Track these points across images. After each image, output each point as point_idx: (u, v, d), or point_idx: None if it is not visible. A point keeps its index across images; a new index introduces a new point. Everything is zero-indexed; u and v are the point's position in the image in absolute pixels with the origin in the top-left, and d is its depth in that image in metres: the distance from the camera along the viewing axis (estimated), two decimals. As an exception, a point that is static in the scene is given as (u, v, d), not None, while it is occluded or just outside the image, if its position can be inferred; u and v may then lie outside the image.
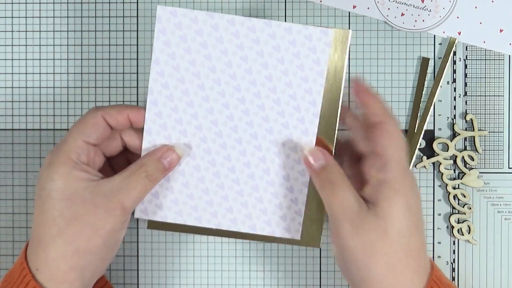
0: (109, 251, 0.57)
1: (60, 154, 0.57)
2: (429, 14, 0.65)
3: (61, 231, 0.55)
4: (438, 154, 0.66)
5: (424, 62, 0.66)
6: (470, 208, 0.66)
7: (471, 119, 0.66)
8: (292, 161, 0.60)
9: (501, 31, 0.65)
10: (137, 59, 0.67)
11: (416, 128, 0.66)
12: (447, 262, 0.66)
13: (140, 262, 0.67)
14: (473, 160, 0.66)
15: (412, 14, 0.65)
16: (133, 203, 0.56)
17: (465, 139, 0.66)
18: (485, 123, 0.66)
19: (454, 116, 0.66)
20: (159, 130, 0.59)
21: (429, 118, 0.66)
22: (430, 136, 0.66)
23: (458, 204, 0.66)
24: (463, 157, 0.66)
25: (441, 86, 0.66)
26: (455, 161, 0.66)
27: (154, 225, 0.62)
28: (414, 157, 0.66)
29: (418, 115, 0.66)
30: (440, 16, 0.65)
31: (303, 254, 0.67)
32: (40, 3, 0.67)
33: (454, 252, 0.66)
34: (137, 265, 0.67)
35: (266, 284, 0.67)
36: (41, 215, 0.55)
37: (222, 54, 0.59)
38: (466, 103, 0.66)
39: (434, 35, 0.66)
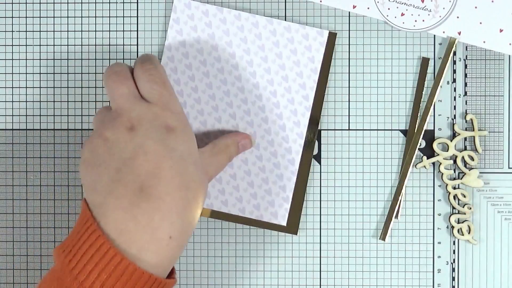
0: None
1: (179, 117, 0.57)
2: (429, 14, 0.65)
3: (194, 195, 0.54)
4: (438, 154, 0.66)
5: (424, 62, 0.66)
6: (470, 208, 0.66)
7: (471, 119, 0.66)
8: (284, 150, 0.65)
9: (501, 31, 0.65)
10: (137, 59, 0.67)
11: (416, 128, 0.66)
12: (447, 262, 0.66)
13: (140, 262, 0.67)
14: (473, 160, 0.66)
15: (412, 14, 0.65)
16: (214, 176, 0.61)
17: (465, 139, 0.66)
18: (485, 123, 0.66)
19: (454, 116, 0.66)
20: None
21: (429, 118, 0.66)
22: (430, 136, 0.66)
23: (458, 204, 0.66)
24: (463, 157, 0.66)
25: (441, 86, 0.66)
26: (455, 161, 0.66)
27: None
28: (414, 157, 0.66)
29: (418, 115, 0.66)
30: (440, 16, 0.65)
31: (303, 254, 0.67)
32: (40, 3, 0.67)
33: (454, 252, 0.66)
34: (137, 265, 0.67)
35: (266, 284, 0.67)
36: (176, 178, 0.54)
37: (227, 46, 0.64)
38: (466, 103, 0.66)
39: (434, 35, 0.66)
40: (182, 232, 0.54)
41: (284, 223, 0.65)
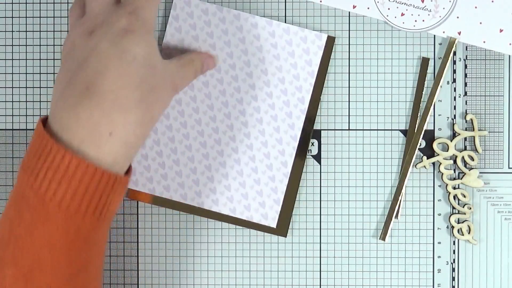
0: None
1: (143, 22, 0.56)
2: (429, 14, 0.65)
3: (144, 97, 0.55)
4: (438, 154, 0.66)
5: (424, 62, 0.66)
6: (470, 208, 0.66)
7: (471, 119, 0.66)
8: (277, 152, 0.65)
9: (501, 31, 0.65)
10: (137, 59, 0.67)
11: (416, 128, 0.66)
12: (447, 262, 0.66)
13: (140, 262, 0.67)
14: (473, 160, 0.66)
15: (412, 14, 0.65)
16: (182, 88, 0.61)
17: (465, 139, 0.66)
18: (485, 123, 0.66)
19: (454, 116, 0.66)
20: None
21: (429, 118, 0.66)
22: (430, 136, 0.66)
23: (458, 204, 0.66)
24: (463, 157, 0.66)
25: (441, 86, 0.66)
26: (455, 161, 0.66)
27: (136, 196, 0.66)
28: (414, 157, 0.66)
29: (418, 115, 0.66)
30: (440, 16, 0.65)
31: (303, 254, 0.67)
32: (40, 3, 0.67)
33: (454, 252, 0.66)
34: (137, 265, 0.67)
35: (266, 284, 0.67)
36: (122, 78, 0.54)
37: (225, 45, 0.64)
38: (466, 103, 0.66)
39: (434, 35, 0.66)
40: (126, 130, 0.54)
41: (274, 225, 0.65)
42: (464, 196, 0.66)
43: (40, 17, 0.67)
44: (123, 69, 0.54)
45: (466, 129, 0.66)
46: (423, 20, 0.65)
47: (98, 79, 0.54)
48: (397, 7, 0.65)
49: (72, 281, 0.54)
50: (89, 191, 0.53)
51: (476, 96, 0.66)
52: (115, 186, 0.55)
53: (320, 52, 0.65)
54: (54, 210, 0.53)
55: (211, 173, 0.65)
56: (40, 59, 0.67)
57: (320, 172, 0.67)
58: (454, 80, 0.66)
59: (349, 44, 0.66)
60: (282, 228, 0.66)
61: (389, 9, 0.66)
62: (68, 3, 0.67)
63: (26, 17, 0.67)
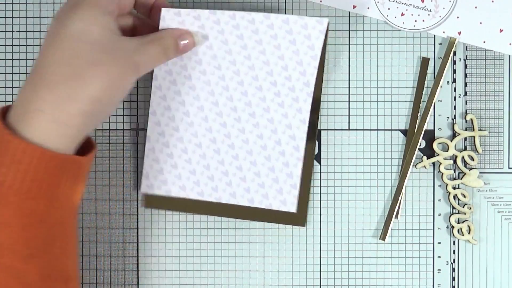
0: (114, 105, 0.56)
1: None
2: (429, 14, 0.65)
3: (77, 73, 0.54)
4: (438, 154, 0.66)
5: (424, 62, 0.66)
6: (470, 208, 0.66)
7: (471, 119, 0.66)
8: (288, 137, 0.64)
9: (501, 31, 0.65)
10: (137, 59, 0.66)
11: (416, 128, 0.66)
12: (447, 262, 0.66)
13: (140, 262, 0.67)
14: (473, 160, 0.66)
15: (412, 14, 0.65)
16: (145, 68, 0.58)
17: (465, 139, 0.66)
18: (485, 123, 0.66)
19: (454, 116, 0.66)
20: (163, 111, 0.65)
21: (429, 118, 0.66)
22: (430, 136, 0.66)
23: (458, 204, 0.66)
24: (463, 157, 0.66)
25: (441, 86, 0.66)
26: (455, 161, 0.66)
27: (151, 203, 0.66)
28: (414, 157, 0.66)
29: (418, 115, 0.66)
30: (440, 16, 0.65)
31: (303, 254, 0.67)
32: (40, 3, 0.67)
33: (454, 252, 0.66)
34: (137, 265, 0.67)
35: (266, 284, 0.67)
36: (54, 53, 0.54)
37: (223, 44, 0.64)
38: (466, 103, 0.66)
39: (434, 35, 0.66)
40: (55, 107, 0.53)
41: (294, 210, 0.65)
42: (464, 196, 0.66)
43: (40, 17, 0.67)
44: (57, 45, 0.54)
45: (466, 129, 0.66)
46: (423, 20, 0.65)
47: (38, 57, 0.55)
48: (397, 7, 0.65)
49: (31, 262, 0.54)
50: (38, 174, 0.53)
51: (476, 96, 0.66)
52: (66, 167, 0.54)
53: (322, 37, 0.63)
54: (8, 193, 0.53)
55: (225, 167, 0.65)
56: (40, 59, 0.67)
57: (320, 172, 0.67)
58: (454, 80, 0.66)
59: (349, 44, 0.66)
60: (301, 214, 0.66)
61: (389, 9, 0.66)
62: (68, 3, 0.67)
63: (26, 17, 0.67)
